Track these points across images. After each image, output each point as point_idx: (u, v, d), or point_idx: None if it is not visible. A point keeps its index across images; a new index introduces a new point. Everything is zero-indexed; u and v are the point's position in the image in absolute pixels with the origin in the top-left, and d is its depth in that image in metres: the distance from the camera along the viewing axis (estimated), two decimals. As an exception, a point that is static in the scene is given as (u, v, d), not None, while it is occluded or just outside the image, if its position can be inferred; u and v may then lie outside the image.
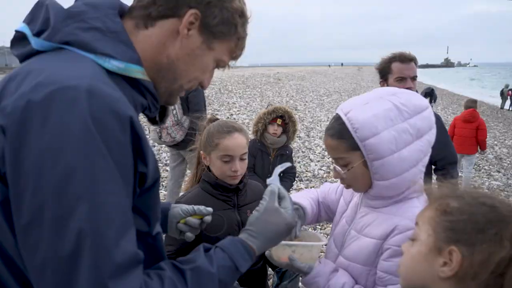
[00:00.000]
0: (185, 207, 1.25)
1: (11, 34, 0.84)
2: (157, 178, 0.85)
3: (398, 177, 1.10)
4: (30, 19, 0.81)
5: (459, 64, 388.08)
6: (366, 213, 1.21)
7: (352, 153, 1.12)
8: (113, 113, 0.69)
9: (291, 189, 5.26)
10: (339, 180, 1.25)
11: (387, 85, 2.33)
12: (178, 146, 3.82)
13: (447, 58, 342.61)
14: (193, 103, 3.77)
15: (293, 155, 3.52)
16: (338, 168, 1.17)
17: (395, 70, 2.30)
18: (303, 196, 1.48)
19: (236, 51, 0.96)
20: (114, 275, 0.66)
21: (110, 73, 0.78)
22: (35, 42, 0.78)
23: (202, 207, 1.26)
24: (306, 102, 15.21)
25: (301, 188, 5.43)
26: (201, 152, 1.70)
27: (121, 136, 0.71)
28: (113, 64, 0.79)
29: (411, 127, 1.09)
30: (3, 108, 0.67)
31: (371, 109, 1.10)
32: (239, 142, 1.62)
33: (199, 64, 0.91)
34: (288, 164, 1.26)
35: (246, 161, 1.69)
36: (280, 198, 1.05)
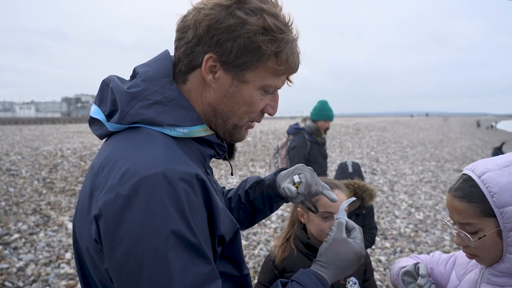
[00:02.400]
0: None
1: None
2: (236, 230, 0.92)
3: None
4: (100, 100, 0.93)
5: None
6: None
7: (484, 220, 1.01)
8: (187, 189, 0.77)
9: (372, 247, 4.97)
10: (461, 248, 1.12)
11: None
12: None
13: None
14: (290, 161, 4.06)
15: (376, 210, 3.21)
16: (465, 234, 1.05)
17: None
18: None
19: (280, 68, 0.89)
20: None
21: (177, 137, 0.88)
22: (110, 126, 0.89)
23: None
24: (388, 153, 14.59)
25: (386, 247, 5.08)
26: (299, 209, 1.68)
27: (197, 207, 0.79)
28: (178, 131, 0.88)
29: None
30: (95, 200, 0.78)
31: None
32: (340, 198, 1.55)
33: (240, 100, 0.91)
34: (353, 199, 1.21)
35: None
36: (349, 229, 1.08)
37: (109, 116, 0.90)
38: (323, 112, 4.18)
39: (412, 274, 1.25)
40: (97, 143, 11.25)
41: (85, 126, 24.52)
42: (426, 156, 14.79)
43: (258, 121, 0.99)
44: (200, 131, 0.91)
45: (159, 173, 0.75)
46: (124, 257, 0.73)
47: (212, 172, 1.07)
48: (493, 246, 1.02)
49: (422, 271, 1.23)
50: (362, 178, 2.95)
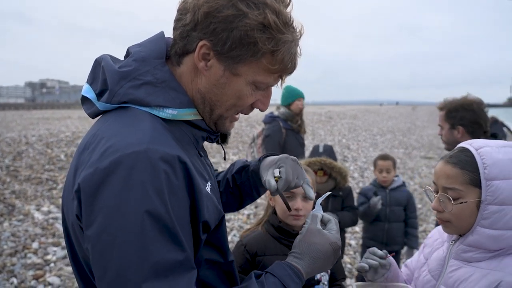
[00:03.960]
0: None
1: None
2: (221, 217, 0.91)
3: (509, 231, 1.02)
4: (92, 79, 0.92)
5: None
6: (458, 267, 1.12)
7: (469, 188, 1.06)
8: (168, 171, 0.76)
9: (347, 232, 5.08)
10: (435, 214, 1.15)
11: None
12: None
13: (511, 98, 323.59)
14: (265, 150, 4.06)
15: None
16: (447, 198, 1.09)
17: None
18: None
19: (273, 67, 0.87)
20: None
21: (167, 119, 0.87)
22: (99, 105, 0.88)
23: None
24: (359, 141, 14.90)
25: (356, 231, 5.21)
26: (268, 192, 1.70)
27: (178, 190, 0.77)
28: (167, 113, 0.87)
29: None
30: (78, 176, 0.77)
31: (508, 154, 1.06)
32: None
33: (230, 92, 0.90)
34: (328, 193, 1.21)
35: (311, 203, 1.64)
36: (325, 222, 1.06)
37: (99, 95, 0.89)
38: (292, 92, 4.16)
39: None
40: (65, 130, 10.89)
41: (51, 113, 23.67)
42: (395, 143, 15.21)
43: (246, 114, 0.98)
44: (189, 114, 0.90)
45: (141, 151, 0.74)
46: (97, 233, 0.72)
47: (206, 155, 1.05)
48: (469, 216, 1.07)
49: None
50: (334, 159, 3.02)
